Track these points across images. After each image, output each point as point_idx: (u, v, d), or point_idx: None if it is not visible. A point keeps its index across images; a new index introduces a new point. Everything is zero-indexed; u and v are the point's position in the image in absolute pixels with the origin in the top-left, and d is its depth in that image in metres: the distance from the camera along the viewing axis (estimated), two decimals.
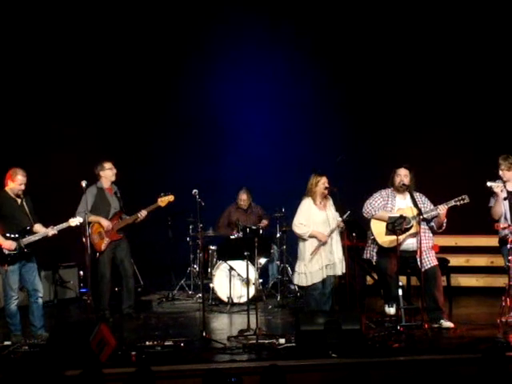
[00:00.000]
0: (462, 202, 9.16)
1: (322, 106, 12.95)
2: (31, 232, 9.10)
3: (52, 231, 9.13)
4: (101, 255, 10.24)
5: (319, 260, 9.31)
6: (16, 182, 9.08)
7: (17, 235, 8.99)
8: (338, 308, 9.80)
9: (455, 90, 12.64)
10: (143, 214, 10.31)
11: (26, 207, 9.16)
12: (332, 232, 9.36)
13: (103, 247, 10.24)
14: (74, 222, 9.20)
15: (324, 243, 9.30)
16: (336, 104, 12.93)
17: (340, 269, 9.42)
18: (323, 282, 9.35)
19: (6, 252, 8.97)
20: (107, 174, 10.30)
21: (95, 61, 12.90)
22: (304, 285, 9.42)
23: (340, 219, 9.35)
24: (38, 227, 9.18)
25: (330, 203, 9.48)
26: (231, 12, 12.87)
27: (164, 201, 10.38)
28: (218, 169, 12.88)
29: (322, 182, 9.37)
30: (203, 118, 13.18)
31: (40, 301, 9.18)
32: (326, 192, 9.39)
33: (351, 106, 12.98)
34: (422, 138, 12.50)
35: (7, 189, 9.15)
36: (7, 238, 8.97)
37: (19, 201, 9.15)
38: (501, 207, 9.35)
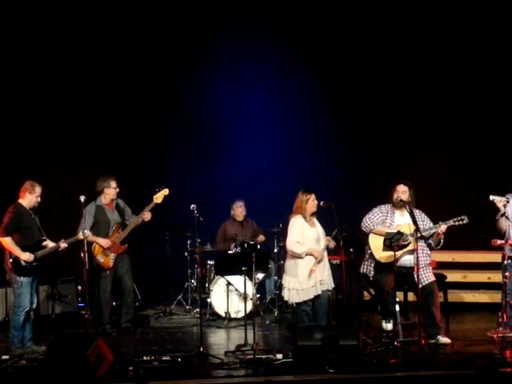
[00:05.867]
0: (460, 222, 9.18)
1: (322, 119, 12.96)
2: (43, 246, 9.24)
3: (63, 244, 9.26)
4: (106, 271, 10.24)
5: (313, 277, 9.28)
6: (34, 194, 9.20)
7: (32, 247, 9.13)
8: (336, 323, 9.81)
9: (456, 104, 12.65)
10: (146, 214, 10.19)
11: (37, 221, 9.27)
12: (325, 248, 9.38)
13: (111, 264, 10.22)
14: (80, 236, 9.31)
15: (320, 260, 9.30)
16: (336, 118, 12.94)
17: (331, 283, 9.43)
18: (318, 297, 9.33)
19: (23, 263, 9.07)
20: (111, 192, 10.27)
21: (94, 76, 12.93)
22: (296, 301, 9.42)
23: (329, 237, 9.37)
24: (46, 242, 9.33)
25: (315, 219, 9.50)
26: (232, 26, 12.85)
27: (159, 197, 10.24)
28: (214, 183, 12.88)
29: (312, 200, 9.37)
30: (201, 131, 13.20)
31: (32, 314, 9.27)
32: (315, 209, 9.39)
33: (351, 120, 12.99)
34: (422, 153, 12.50)
35: (22, 202, 9.22)
36: (24, 250, 9.07)
37: (32, 214, 9.25)
38: (504, 222, 9.38)
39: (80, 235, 9.31)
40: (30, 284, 9.16)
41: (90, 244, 9.79)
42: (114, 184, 10.28)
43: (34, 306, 9.32)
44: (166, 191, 10.24)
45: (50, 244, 9.29)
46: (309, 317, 9.32)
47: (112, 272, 10.27)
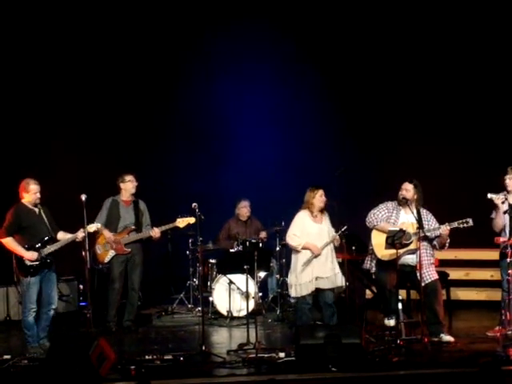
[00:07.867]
0: (465, 224, 9.10)
1: (323, 118, 12.93)
2: (51, 241, 9.17)
3: (81, 234, 9.12)
4: (113, 267, 10.25)
5: (310, 272, 9.31)
6: (31, 192, 9.16)
7: (37, 245, 9.06)
8: (338, 322, 9.79)
9: (457, 103, 12.62)
10: (156, 231, 10.22)
11: (44, 217, 9.24)
12: (326, 245, 9.36)
13: (106, 260, 10.26)
14: (92, 227, 9.25)
15: (317, 255, 9.30)
16: (337, 116, 12.91)
17: (339, 281, 9.39)
18: (320, 295, 9.33)
19: (28, 263, 9.03)
20: (127, 186, 10.35)
21: (96, 76, 12.90)
22: (293, 295, 9.46)
23: (335, 234, 9.35)
24: (60, 235, 9.30)
25: (325, 217, 9.49)
26: (232, 24, 12.85)
27: (183, 222, 10.22)
28: (216, 182, 12.86)
29: (319, 195, 9.39)
30: (202, 130, 13.15)
31: (51, 313, 9.22)
32: (323, 205, 9.40)
33: (353, 119, 12.96)
34: (423, 151, 12.45)
35: (24, 201, 9.22)
36: (28, 249, 9.04)
37: (37, 211, 9.23)
38: (501, 220, 9.36)
39: (88, 227, 9.13)
40: (39, 283, 9.09)
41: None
42: (128, 178, 10.34)
43: (53, 306, 9.19)
44: (191, 220, 10.13)
45: (66, 236, 9.24)
46: (307, 316, 9.34)
47: (121, 270, 10.27)
